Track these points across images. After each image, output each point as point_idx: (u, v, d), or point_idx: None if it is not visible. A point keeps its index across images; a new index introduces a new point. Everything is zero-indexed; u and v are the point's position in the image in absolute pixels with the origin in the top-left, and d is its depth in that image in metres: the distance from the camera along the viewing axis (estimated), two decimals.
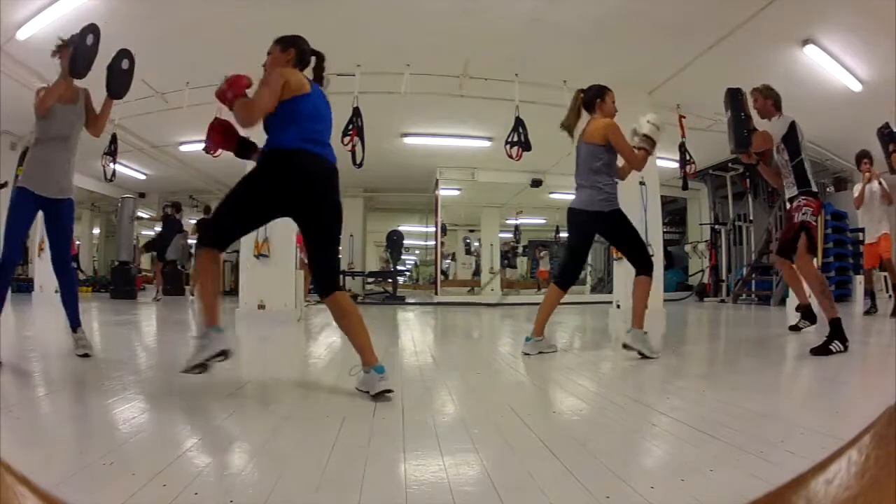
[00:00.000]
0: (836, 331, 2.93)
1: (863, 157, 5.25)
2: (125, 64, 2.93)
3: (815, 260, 3.46)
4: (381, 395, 1.85)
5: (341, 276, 10.46)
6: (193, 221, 9.76)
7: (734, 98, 3.17)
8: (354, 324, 2.03)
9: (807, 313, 3.84)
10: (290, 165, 2.01)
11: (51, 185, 2.61)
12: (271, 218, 2.11)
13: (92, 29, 2.62)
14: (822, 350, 2.90)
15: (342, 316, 2.02)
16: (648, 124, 3.07)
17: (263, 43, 2.21)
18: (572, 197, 3.22)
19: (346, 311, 2.03)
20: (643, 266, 3.03)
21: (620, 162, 3.11)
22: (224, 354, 1.98)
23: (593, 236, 3.16)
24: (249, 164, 2.31)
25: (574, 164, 3.19)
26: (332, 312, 2.03)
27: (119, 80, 2.89)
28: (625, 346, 2.87)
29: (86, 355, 2.61)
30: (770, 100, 3.40)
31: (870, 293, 5.68)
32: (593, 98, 3.11)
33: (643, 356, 2.79)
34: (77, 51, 2.55)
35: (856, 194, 5.41)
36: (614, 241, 3.26)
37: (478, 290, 10.81)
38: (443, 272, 12.67)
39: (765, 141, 3.22)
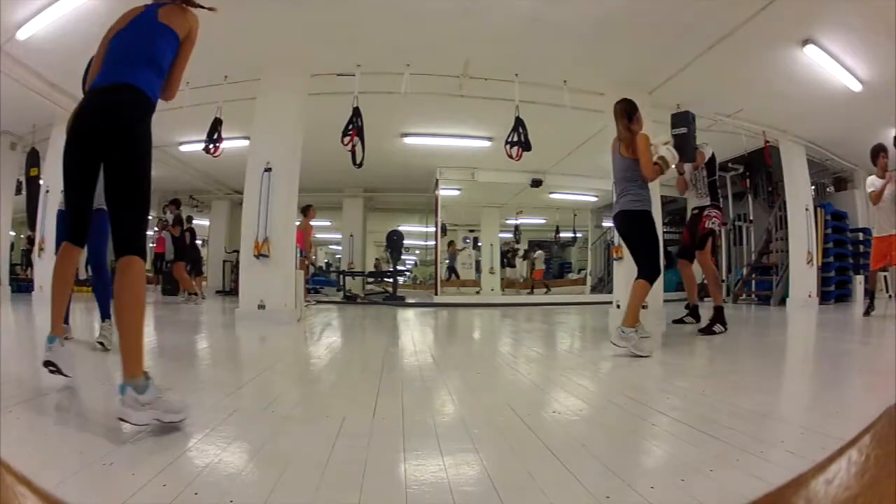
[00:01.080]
0: (719, 315, 3.93)
1: (880, 150, 5.10)
2: None
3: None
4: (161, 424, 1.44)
5: (341, 276, 10.50)
6: (196, 222, 9.82)
7: (690, 120, 4.29)
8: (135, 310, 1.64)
9: (693, 312, 4.59)
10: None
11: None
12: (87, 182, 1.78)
13: None
14: (707, 331, 3.86)
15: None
16: (666, 148, 3.30)
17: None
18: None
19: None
20: (645, 272, 3.16)
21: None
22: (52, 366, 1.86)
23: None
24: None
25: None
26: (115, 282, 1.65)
27: None
28: (613, 343, 2.98)
29: (101, 344, 2.86)
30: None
31: (870, 293, 5.62)
32: (632, 113, 3.31)
33: (635, 355, 2.85)
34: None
35: (870, 188, 5.14)
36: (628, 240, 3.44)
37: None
38: (452, 270, 12.68)
39: (701, 158, 4.18)
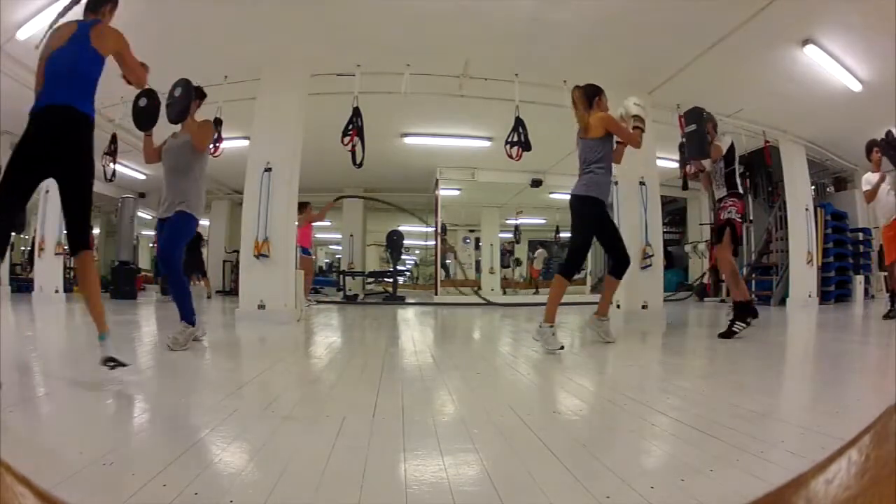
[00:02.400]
0: (741, 311, 3.59)
1: (874, 145, 5.06)
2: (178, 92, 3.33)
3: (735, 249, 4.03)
4: (107, 364, 2.04)
5: (340, 276, 10.51)
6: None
7: (700, 116, 3.90)
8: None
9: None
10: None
11: (162, 208, 3.32)
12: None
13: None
14: (727, 334, 3.54)
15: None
16: (636, 106, 3.38)
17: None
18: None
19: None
20: (561, 265, 3.40)
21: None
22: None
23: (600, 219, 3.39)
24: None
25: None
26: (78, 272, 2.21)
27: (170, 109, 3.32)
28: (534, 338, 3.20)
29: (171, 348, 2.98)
30: (711, 122, 4.01)
31: (891, 292, 5.22)
32: (592, 97, 3.36)
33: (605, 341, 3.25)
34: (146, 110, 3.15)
35: (866, 186, 5.10)
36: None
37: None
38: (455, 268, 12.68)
39: (718, 153, 3.88)
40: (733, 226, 3.77)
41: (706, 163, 4.01)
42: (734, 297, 3.78)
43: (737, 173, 3.94)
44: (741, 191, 3.94)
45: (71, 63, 2.17)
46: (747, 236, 9.15)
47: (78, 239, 2.15)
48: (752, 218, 9.07)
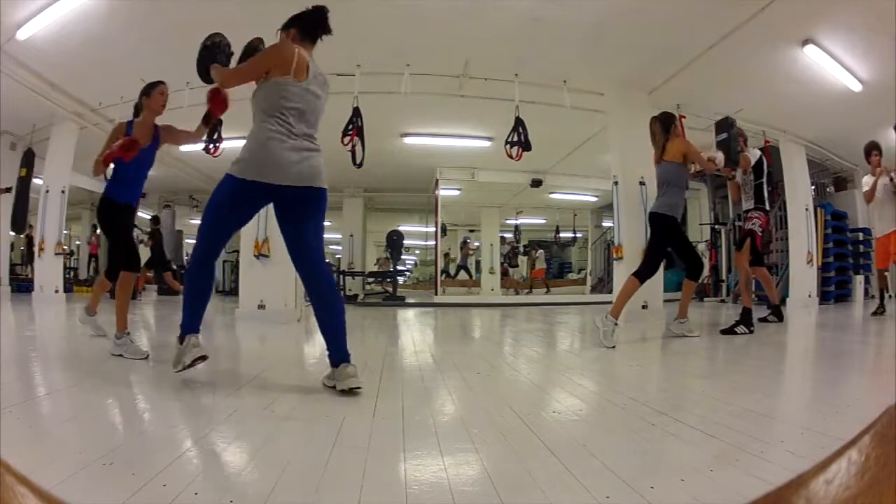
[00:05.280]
0: (745, 317, 3.84)
1: (872, 148, 5.09)
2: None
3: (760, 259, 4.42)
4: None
5: (341, 276, 10.53)
6: (195, 222, 9.73)
7: (731, 126, 4.19)
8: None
9: (776, 311, 4.58)
10: None
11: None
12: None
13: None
14: (728, 331, 3.79)
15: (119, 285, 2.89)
16: (719, 153, 4.01)
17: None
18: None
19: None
20: (638, 269, 3.59)
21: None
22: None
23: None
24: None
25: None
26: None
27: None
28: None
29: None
30: (742, 135, 4.32)
31: (879, 292, 5.44)
32: (669, 124, 3.73)
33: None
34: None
35: (865, 188, 5.18)
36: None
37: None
38: (464, 269, 12.66)
39: (746, 163, 4.18)
40: (754, 237, 4.10)
41: (738, 172, 4.26)
42: (744, 302, 4.03)
43: (765, 188, 4.19)
44: (768, 206, 4.23)
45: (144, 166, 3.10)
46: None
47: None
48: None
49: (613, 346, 3.16)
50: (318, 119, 2.20)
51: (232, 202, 2.06)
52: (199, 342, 2.10)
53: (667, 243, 3.72)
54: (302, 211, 2.08)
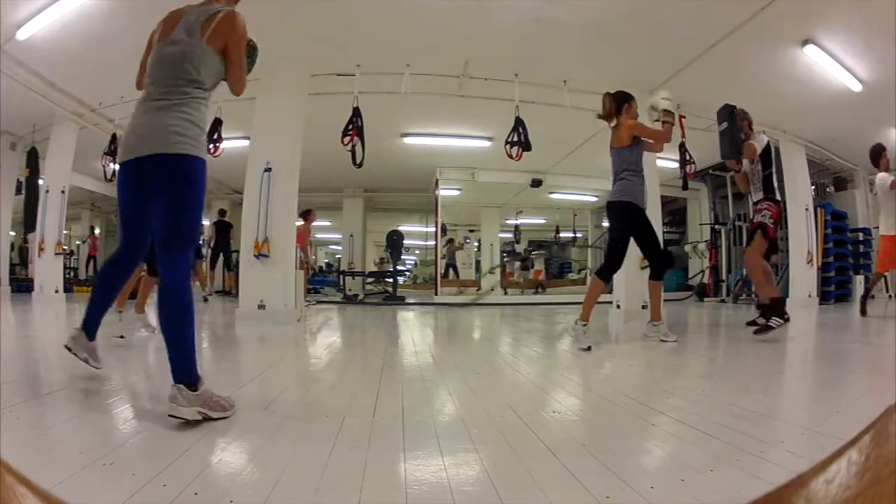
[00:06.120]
0: (774, 308, 3.52)
1: (882, 150, 5.07)
2: None
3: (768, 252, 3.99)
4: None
5: (340, 276, 10.53)
6: (206, 223, 9.75)
7: (731, 113, 3.76)
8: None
9: (765, 309, 3.88)
10: None
11: None
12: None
13: None
14: (763, 329, 3.46)
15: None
16: (665, 101, 3.51)
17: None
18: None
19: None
20: (600, 267, 3.46)
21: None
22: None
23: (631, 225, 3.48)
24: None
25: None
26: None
27: None
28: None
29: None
30: (747, 121, 3.91)
31: (865, 291, 5.48)
32: (621, 104, 3.49)
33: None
34: None
35: (883, 181, 5.00)
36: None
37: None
38: (452, 267, 12.66)
39: (751, 152, 3.79)
40: (765, 229, 3.75)
41: (744, 162, 3.91)
42: (764, 296, 3.76)
43: (774, 177, 3.85)
44: (778, 196, 3.87)
45: None
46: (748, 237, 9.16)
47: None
48: (751, 218, 9.07)
49: (589, 348, 3.10)
50: (171, 67, 1.76)
51: (118, 190, 1.80)
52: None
53: (627, 233, 3.43)
54: (151, 186, 1.67)
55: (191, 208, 1.67)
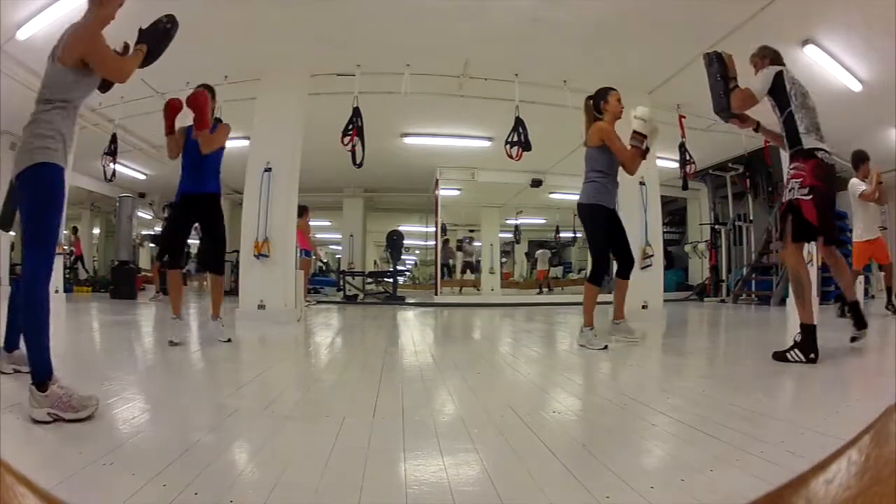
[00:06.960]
0: (806, 339, 2.57)
1: (865, 158, 5.10)
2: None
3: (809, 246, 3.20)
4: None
5: (340, 276, 10.54)
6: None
7: (710, 62, 2.97)
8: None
9: (853, 310, 2.97)
10: None
11: None
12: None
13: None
14: (780, 356, 2.58)
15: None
16: (636, 120, 3.26)
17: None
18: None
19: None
20: (589, 274, 3.43)
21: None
22: None
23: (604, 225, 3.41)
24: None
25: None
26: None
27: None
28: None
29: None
30: (767, 59, 3.01)
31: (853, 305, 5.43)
32: (598, 101, 3.37)
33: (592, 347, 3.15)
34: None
35: (861, 188, 5.06)
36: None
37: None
38: (446, 268, 12.70)
39: (745, 99, 2.83)
40: (798, 210, 2.63)
41: (751, 113, 3.02)
42: (802, 318, 2.64)
43: (796, 117, 2.76)
44: (809, 142, 2.72)
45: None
46: (748, 236, 9.13)
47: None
48: (752, 218, 9.00)
49: (605, 347, 3.12)
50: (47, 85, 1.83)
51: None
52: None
53: (602, 235, 3.35)
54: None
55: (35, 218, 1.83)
